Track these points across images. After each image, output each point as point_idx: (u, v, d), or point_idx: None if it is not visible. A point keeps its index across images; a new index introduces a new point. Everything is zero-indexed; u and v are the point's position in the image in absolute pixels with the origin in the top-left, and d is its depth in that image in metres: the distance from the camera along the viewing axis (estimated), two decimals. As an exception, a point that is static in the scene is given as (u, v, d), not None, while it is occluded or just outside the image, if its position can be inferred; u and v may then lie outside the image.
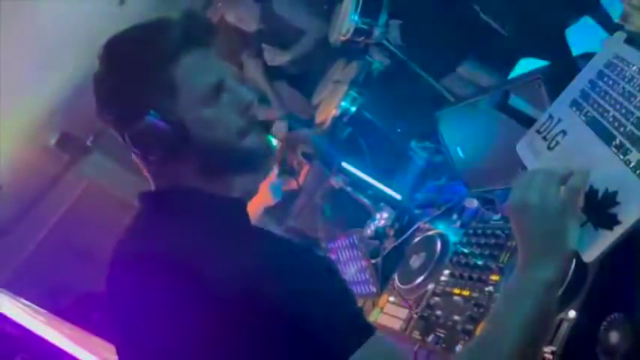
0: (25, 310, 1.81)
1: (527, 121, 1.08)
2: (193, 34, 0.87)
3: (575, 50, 1.61)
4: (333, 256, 1.96)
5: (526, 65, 1.85)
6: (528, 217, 0.79)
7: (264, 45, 2.79)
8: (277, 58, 2.74)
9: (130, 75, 0.85)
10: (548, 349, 1.03)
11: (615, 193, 0.77)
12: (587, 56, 1.15)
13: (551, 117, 1.01)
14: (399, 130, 2.25)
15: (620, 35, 0.95)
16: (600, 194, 0.79)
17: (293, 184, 2.43)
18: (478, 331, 1.22)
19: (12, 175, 2.53)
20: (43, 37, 2.19)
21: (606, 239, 0.76)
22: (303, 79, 2.79)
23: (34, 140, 2.76)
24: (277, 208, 2.51)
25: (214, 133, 0.85)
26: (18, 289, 2.28)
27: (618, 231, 0.74)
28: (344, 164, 1.87)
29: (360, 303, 1.76)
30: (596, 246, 0.77)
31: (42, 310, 2.07)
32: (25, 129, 2.64)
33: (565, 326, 1.04)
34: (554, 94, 1.08)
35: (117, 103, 0.86)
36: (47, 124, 2.74)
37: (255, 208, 2.26)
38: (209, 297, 0.73)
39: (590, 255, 0.78)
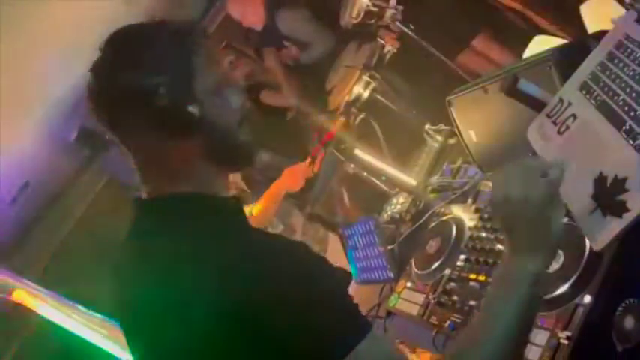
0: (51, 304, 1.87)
1: (538, 105, 1.06)
2: (202, 34, 0.92)
3: (591, 28, 1.57)
4: (350, 242, 1.97)
5: (540, 42, 1.81)
6: (513, 210, 0.81)
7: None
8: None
9: (150, 56, 0.85)
10: (563, 334, 1.03)
11: (624, 180, 0.76)
12: (601, 34, 1.12)
13: (561, 101, 1.00)
14: (413, 112, 2.23)
15: (630, 14, 0.93)
16: (609, 181, 0.78)
17: (309, 172, 2.44)
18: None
19: (37, 173, 2.59)
20: (61, 34, 2.21)
21: (615, 226, 0.75)
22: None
23: (55, 137, 2.81)
24: (295, 195, 2.53)
25: (222, 120, 0.89)
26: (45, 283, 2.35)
27: (627, 218, 0.73)
28: (357, 151, 1.87)
29: (378, 289, 1.77)
30: (605, 233, 0.76)
31: (70, 303, 2.14)
32: (47, 126, 2.69)
33: (580, 311, 1.03)
34: (565, 76, 1.05)
35: (135, 81, 0.84)
36: (67, 120, 2.79)
37: (277, 194, 2.27)
38: (208, 303, 0.76)
39: (599, 242, 0.77)
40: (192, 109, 0.84)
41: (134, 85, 0.84)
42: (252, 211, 2.25)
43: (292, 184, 2.26)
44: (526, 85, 1.07)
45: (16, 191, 2.34)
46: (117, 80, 0.85)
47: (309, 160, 2.29)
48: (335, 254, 2.38)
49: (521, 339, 0.84)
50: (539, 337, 1.09)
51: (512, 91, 1.08)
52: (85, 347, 2.05)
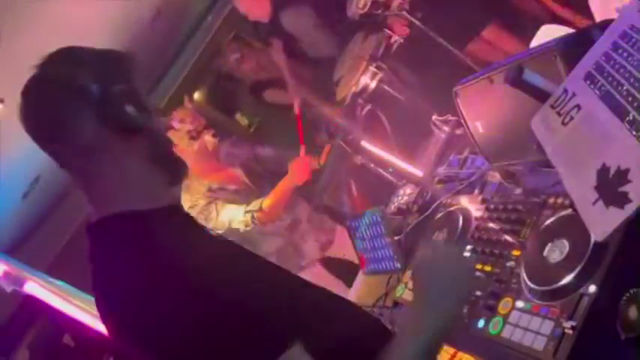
0: (62, 294, 1.91)
1: (542, 96, 1.06)
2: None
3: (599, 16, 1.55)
4: (357, 234, 1.98)
5: (547, 31, 1.79)
6: (431, 281, 0.99)
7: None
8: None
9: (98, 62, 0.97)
10: (568, 323, 1.03)
11: (627, 171, 0.76)
12: (606, 24, 1.11)
13: (565, 91, 0.99)
14: (419, 102, 2.23)
15: (635, 4, 0.92)
16: (612, 172, 0.78)
17: (315, 164, 2.45)
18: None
19: (47, 167, 2.62)
20: (74, 22, 2.21)
21: (617, 217, 0.75)
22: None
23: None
24: (303, 187, 2.54)
25: (160, 128, 1.04)
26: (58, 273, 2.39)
27: (629, 209, 0.74)
28: (364, 143, 1.87)
29: (385, 279, 1.78)
30: (607, 224, 0.76)
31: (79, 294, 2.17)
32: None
33: (585, 301, 1.04)
34: (570, 66, 1.05)
35: (90, 76, 0.93)
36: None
37: (288, 188, 2.28)
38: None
39: (601, 233, 0.78)
40: (130, 109, 0.92)
41: (85, 83, 0.92)
42: (262, 205, 2.26)
43: (300, 178, 2.27)
44: (531, 76, 1.07)
45: (28, 186, 2.37)
46: (65, 78, 0.93)
47: (302, 151, 2.30)
48: (343, 246, 2.40)
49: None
50: (544, 326, 1.09)
51: (516, 81, 1.08)
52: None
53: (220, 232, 2.24)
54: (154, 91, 3.73)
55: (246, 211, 2.28)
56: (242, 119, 3.24)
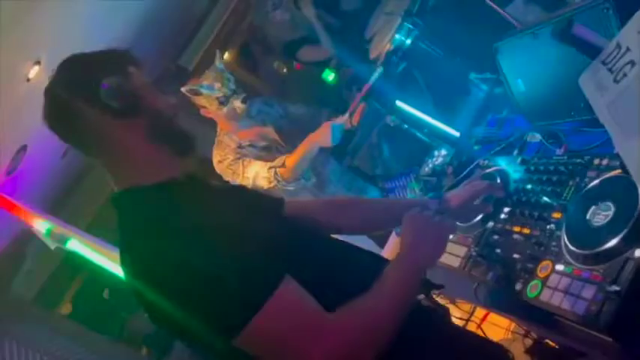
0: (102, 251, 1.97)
1: (592, 52, 1.00)
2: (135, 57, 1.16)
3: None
4: (391, 195, 1.97)
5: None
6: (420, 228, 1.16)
7: None
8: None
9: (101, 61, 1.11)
10: (611, 288, 1.01)
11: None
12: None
13: (618, 46, 0.94)
14: (457, 60, 2.15)
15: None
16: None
17: (347, 123, 2.41)
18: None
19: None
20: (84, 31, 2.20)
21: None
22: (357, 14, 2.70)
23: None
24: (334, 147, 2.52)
25: (159, 103, 1.13)
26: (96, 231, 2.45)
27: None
28: (398, 103, 1.83)
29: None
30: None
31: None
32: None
33: (630, 265, 1.01)
34: (623, 20, 0.98)
35: (89, 72, 1.08)
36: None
37: (310, 146, 2.26)
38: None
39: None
40: (120, 97, 1.06)
41: (84, 81, 1.07)
42: (286, 161, 2.25)
43: (326, 139, 2.23)
44: (581, 30, 1.01)
45: (66, 146, 2.42)
46: (71, 81, 1.08)
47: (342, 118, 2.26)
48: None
49: (401, 299, 1.05)
50: (586, 291, 1.07)
51: (565, 36, 1.02)
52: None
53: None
54: (186, 48, 3.71)
55: (270, 168, 2.28)
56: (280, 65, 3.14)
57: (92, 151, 1.11)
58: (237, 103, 2.32)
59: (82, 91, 1.07)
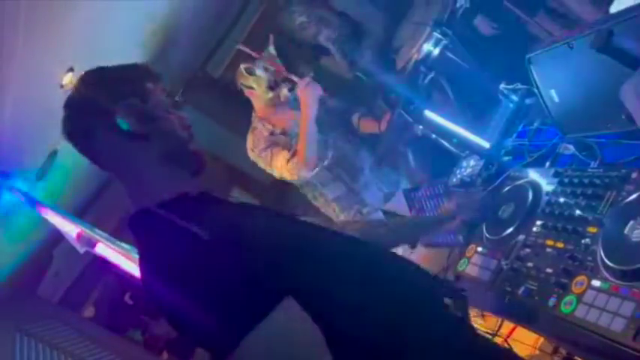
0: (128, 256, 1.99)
1: (633, 62, 0.98)
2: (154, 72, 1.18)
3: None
4: (416, 205, 1.95)
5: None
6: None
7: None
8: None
9: (118, 78, 1.13)
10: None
11: None
12: None
13: (662, 57, 0.91)
14: (486, 71, 2.13)
15: None
16: None
17: (374, 127, 2.39)
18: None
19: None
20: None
21: None
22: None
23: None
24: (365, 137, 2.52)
25: (173, 125, 1.13)
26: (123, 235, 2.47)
27: None
28: (427, 112, 1.81)
29: (445, 252, 1.75)
30: None
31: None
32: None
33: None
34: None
35: (106, 91, 1.10)
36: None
37: (306, 123, 2.25)
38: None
39: None
40: (133, 120, 1.08)
41: (99, 102, 1.08)
42: (296, 150, 2.26)
43: (309, 105, 2.23)
44: (621, 40, 0.99)
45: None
46: (82, 103, 1.10)
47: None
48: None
49: None
50: (624, 308, 1.04)
51: (605, 46, 1.00)
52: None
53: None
54: (214, 55, 3.74)
55: (288, 160, 2.29)
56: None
57: (106, 168, 1.14)
58: (285, 91, 2.34)
59: (97, 113, 1.09)
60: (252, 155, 2.44)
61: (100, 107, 1.09)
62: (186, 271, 0.96)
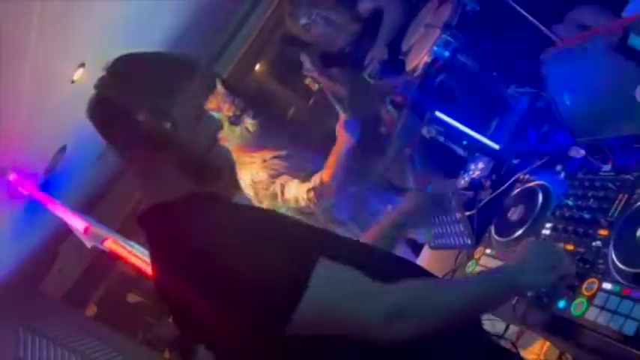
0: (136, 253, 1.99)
1: (650, 64, 0.98)
2: (190, 68, 1.13)
3: None
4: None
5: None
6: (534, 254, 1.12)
7: None
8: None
9: (146, 79, 1.09)
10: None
11: None
12: None
13: (679, 58, 0.91)
14: (496, 73, 2.12)
15: None
16: None
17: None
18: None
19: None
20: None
21: None
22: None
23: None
24: (365, 158, 2.49)
25: (194, 137, 1.11)
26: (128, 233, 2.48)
27: None
28: (437, 113, 1.81)
29: (453, 254, 1.74)
30: None
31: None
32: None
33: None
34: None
35: (130, 95, 1.07)
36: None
37: (339, 154, 2.23)
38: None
39: None
40: (167, 126, 1.06)
41: (122, 104, 1.06)
42: (322, 178, 2.21)
43: (347, 140, 2.19)
44: (637, 41, 0.99)
45: (102, 148, 2.46)
46: (109, 100, 1.08)
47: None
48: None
49: (471, 307, 1.04)
50: (636, 311, 1.04)
51: (621, 46, 0.99)
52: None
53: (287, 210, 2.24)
54: (218, 61, 3.75)
55: (309, 190, 2.23)
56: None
57: (123, 158, 1.14)
58: (249, 120, 2.26)
59: (120, 118, 1.07)
60: (254, 189, 2.31)
61: (123, 113, 1.06)
62: (195, 265, 0.96)
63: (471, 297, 1.02)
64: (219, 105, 2.23)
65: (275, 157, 2.36)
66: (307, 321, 0.91)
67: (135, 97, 1.07)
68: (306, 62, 2.32)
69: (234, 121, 2.25)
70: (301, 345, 0.95)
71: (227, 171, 1.18)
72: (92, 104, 1.10)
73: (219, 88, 2.26)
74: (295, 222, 1.26)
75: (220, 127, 1.17)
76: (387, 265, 1.17)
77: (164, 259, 1.06)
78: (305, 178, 2.26)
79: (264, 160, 2.35)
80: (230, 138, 2.29)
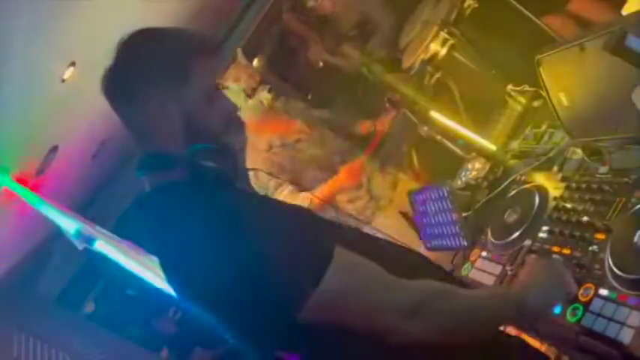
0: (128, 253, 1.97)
1: (648, 65, 0.95)
2: (207, 45, 1.07)
3: None
4: (420, 208, 1.91)
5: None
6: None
7: None
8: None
9: (155, 58, 1.03)
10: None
11: None
12: None
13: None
14: (493, 72, 2.10)
15: None
16: None
17: (370, 126, 2.34)
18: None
19: (113, 131, 2.67)
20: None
21: None
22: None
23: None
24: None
25: (206, 121, 1.04)
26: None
27: None
28: (433, 113, 1.78)
29: (449, 256, 1.72)
30: None
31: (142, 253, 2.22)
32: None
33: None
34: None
35: (132, 78, 1.02)
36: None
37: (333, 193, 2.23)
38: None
39: None
40: (176, 107, 1.00)
41: (131, 81, 1.01)
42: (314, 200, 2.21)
43: (349, 182, 2.20)
44: (635, 42, 0.96)
45: (97, 147, 2.43)
46: (117, 77, 1.02)
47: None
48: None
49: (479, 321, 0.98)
50: (632, 318, 1.02)
51: (618, 48, 0.97)
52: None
53: None
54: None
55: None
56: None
57: (132, 130, 1.06)
58: (264, 94, 2.28)
59: (133, 93, 1.02)
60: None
61: (140, 82, 1.01)
62: (196, 251, 0.92)
63: (481, 309, 0.99)
64: (238, 75, 2.23)
65: (283, 145, 2.35)
66: (329, 299, 0.88)
67: (147, 76, 1.02)
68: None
69: (250, 93, 2.25)
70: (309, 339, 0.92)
71: (237, 153, 1.13)
72: (105, 78, 1.04)
73: (240, 58, 2.26)
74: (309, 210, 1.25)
75: (235, 108, 1.11)
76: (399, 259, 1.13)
77: (163, 244, 1.00)
78: (302, 188, 2.25)
79: (272, 146, 2.33)
80: (243, 110, 2.30)
